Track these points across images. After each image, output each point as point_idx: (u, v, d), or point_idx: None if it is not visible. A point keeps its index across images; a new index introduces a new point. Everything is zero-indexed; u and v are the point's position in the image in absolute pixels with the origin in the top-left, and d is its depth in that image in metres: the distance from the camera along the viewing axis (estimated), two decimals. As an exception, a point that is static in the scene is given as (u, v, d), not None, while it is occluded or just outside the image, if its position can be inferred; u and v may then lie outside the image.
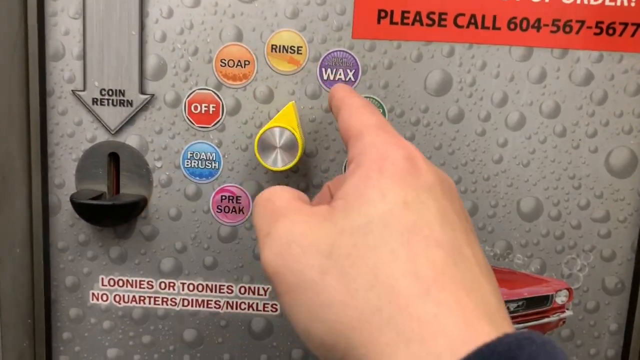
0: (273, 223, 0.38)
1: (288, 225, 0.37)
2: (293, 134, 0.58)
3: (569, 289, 0.67)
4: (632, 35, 0.62)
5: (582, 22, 0.62)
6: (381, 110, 0.64)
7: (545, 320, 0.68)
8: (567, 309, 0.68)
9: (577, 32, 0.63)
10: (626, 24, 0.62)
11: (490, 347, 0.29)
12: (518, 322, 0.67)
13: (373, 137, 0.40)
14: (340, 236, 0.35)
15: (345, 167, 0.65)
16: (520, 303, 0.67)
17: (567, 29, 0.62)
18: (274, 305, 0.69)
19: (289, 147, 0.59)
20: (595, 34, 0.63)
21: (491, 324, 0.31)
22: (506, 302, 0.66)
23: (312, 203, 0.43)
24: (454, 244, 0.35)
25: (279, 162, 0.59)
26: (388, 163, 0.38)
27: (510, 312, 0.67)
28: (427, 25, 0.63)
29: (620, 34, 0.62)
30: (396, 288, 0.32)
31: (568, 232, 0.66)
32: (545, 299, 0.67)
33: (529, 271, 0.68)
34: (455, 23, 0.63)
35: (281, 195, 0.41)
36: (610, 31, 0.62)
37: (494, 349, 0.28)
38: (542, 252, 0.67)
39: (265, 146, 0.59)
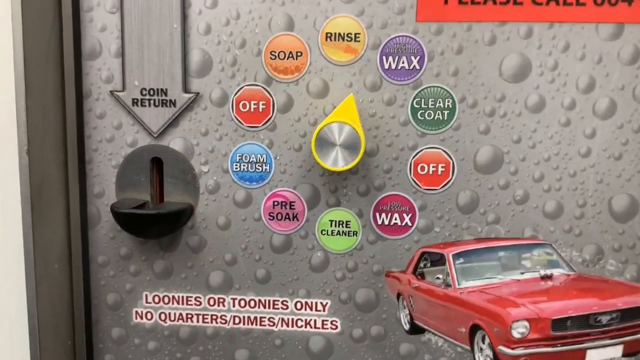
0: None
1: None
2: (354, 129, 0.52)
3: (671, 299, 0.60)
4: None
5: (681, -7, 0.55)
6: (450, 101, 0.58)
7: (644, 334, 0.60)
8: (670, 322, 0.60)
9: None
10: None
11: None
12: (611, 337, 0.60)
13: None
14: None
15: (410, 165, 0.59)
16: (614, 315, 0.59)
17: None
18: (334, 322, 0.63)
19: (351, 144, 0.53)
20: (696, 5, 0.55)
21: None
22: (597, 314, 0.59)
23: None
24: None
25: (339, 161, 0.53)
26: None
27: (603, 325, 0.59)
28: (501, 3, 0.56)
29: None
30: None
31: (669, 233, 0.59)
32: (643, 311, 0.60)
33: (624, 278, 0.60)
34: (533, 0, 0.56)
35: None
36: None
37: None
38: (638, 256, 0.59)
39: (324, 144, 0.53)
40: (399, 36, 0.57)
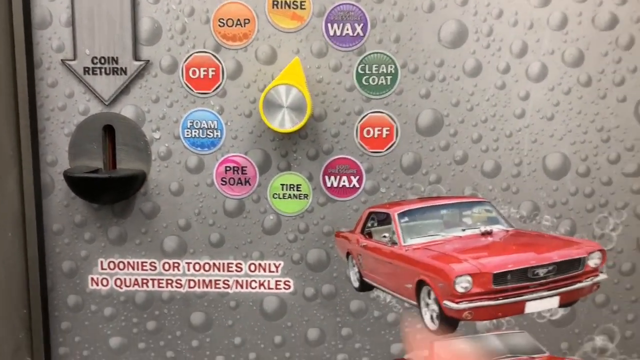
0: None
1: None
2: (300, 91, 0.55)
3: (601, 251, 0.64)
4: (658, -27, 0.60)
5: (604, -38, 0.59)
6: (392, 67, 0.61)
7: (578, 285, 0.65)
8: (601, 272, 0.65)
9: (599, -28, 0.60)
10: (651, -38, 0.59)
11: None
12: (549, 289, 0.64)
13: None
14: None
15: (356, 130, 0.62)
16: (550, 268, 0.64)
17: (588, -30, 0.60)
18: (287, 283, 0.66)
19: (297, 106, 0.56)
20: (619, -27, 0.60)
21: None
22: (535, 267, 0.63)
23: None
24: None
25: (286, 122, 0.56)
26: None
27: (540, 278, 0.63)
28: (438, -28, 0.60)
29: (645, -27, 0.60)
30: None
31: (598, 189, 0.63)
32: (577, 263, 0.64)
33: (559, 233, 0.64)
34: (468, -31, 0.60)
35: None
36: (635, -30, 0.60)
37: None
38: (571, 211, 0.64)
39: (271, 106, 0.56)
40: (343, 4, 0.61)
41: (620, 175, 0.63)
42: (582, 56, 0.61)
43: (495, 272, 0.63)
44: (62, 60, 0.62)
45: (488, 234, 0.65)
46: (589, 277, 0.65)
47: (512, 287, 0.64)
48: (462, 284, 0.63)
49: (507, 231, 0.65)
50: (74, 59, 0.62)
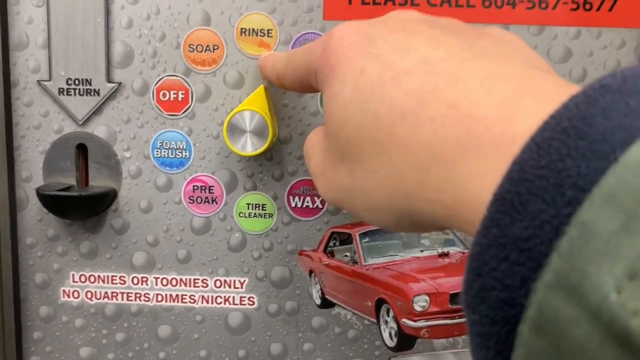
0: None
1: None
2: (263, 117, 0.59)
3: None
4: (610, 9, 0.63)
5: (559, -2, 0.63)
6: (355, 93, 0.65)
7: (531, 306, 0.68)
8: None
9: (554, 7, 0.63)
10: (603, -1, 0.63)
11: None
12: (503, 309, 0.67)
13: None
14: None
15: (320, 152, 0.66)
16: (505, 289, 0.67)
17: (543, 4, 0.63)
18: (251, 299, 0.69)
19: (260, 131, 0.59)
20: (572, 9, 0.63)
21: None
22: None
23: None
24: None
25: (248, 146, 0.59)
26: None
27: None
28: (400, 4, 0.64)
29: (598, 9, 0.63)
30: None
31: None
32: (530, 285, 0.68)
33: (513, 256, 0.68)
34: (428, 2, 0.64)
35: None
36: (587, 6, 0.63)
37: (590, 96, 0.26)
38: (525, 235, 0.67)
39: (235, 130, 0.60)
40: (308, 33, 0.64)
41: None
42: (537, 87, 0.65)
43: (452, 292, 0.67)
44: (37, 80, 0.66)
45: (445, 255, 0.68)
46: (541, 299, 0.68)
47: (468, 307, 0.67)
48: (420, 303, 0.66)
49: (464, 253, 0.68)
50: (49, 79, 0.66)
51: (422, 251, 0.68)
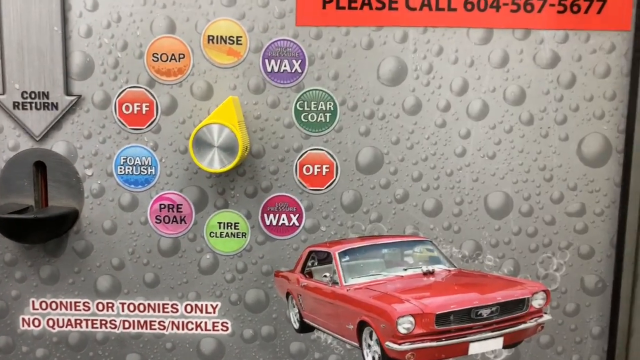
0: None
1: None
2: (232, 131, 0.55)
3: (546, 291, 0.65)
4: (599, 12, 0.60)
5: (544, 0, 0.60)
6: (332, 104, 0.61)
7: (522, 326, 0.65)
8: (545, 313, 0.65)
9: (540, 10, 0.60)
10: (591, 1, 0.60)
11: None
12: (492, 330, 0.64)
13: None
14: None
15: (296, 167, 0.62)
16: (494, 309, 0.64)
17: (529, 7, 0.60)
18: (225, 324, 0.65)
19: (229, 145, 0.56)
20: (559, 12, 0.60)
21: None
22: (478, 308, 0.63)
23: None
24: None
25: (215, 162, 0.56)
26: None
27: (484, 319, 0.63)
28: (377, 8, 0.60)
29: (586, 11, 0.60)
30: None
31: (541, 228, 0.63)
32: (520, 303, 0.64)
33: (502, 273, 0.65)
34: (407, 5, 0.60)
35: None
36: (575, 8, 0.60)
37: None
38: (514, 251, 0.64)
39: (202, 145, 0.56)
40: (280, 40, 0.60)
41: (564, 214, 0.63)
42: (523, 94, 0.62)
43: (438, 312, 0.63)
44: (-10, 94, 0.62)
45: (430, 273, 0.65)
46: (533, 318, 0.65)
47: (455, 328, 0.64)
48: (405, 325, 0.62)
49: (450, 271, 0.65)
50: (3, 93, 0.62)
51: (405, 270, 0.65)
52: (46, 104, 0.62)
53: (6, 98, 0.62)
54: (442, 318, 0.63)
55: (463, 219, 0.63)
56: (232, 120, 0.57)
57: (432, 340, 0.64)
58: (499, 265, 0.64)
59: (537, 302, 0.65)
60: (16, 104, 0.62)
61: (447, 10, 0.60)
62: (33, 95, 0.62)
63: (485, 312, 0.64)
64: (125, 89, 0.61)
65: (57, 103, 0.62)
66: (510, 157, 0.62)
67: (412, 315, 0.63)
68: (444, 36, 0.61)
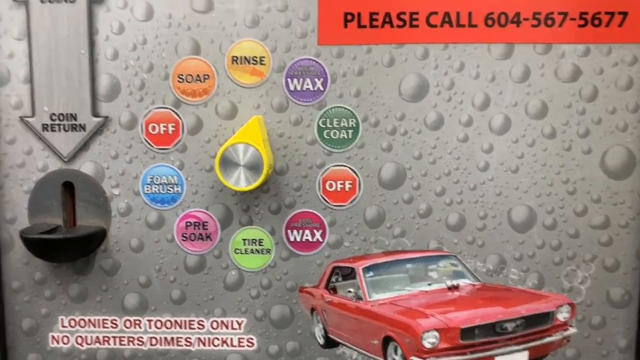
0: None
1: None
2: (257, 150, 0.56)
3: (571, 304, 0.65)
4: (620, 25, 0.61)
5: (565, 14, 0.60)
6: (354, 121, 0.62)
7: (548, 339, 0.65)
8: (571, 326, 0.65)
9: (560, 24, 0.61)
10: (612, 14, 0.60)
11: None
12: (518, 343, 0.64)
13: None
14: None
15: (319, 183, 0.63)
16: (518, 322, 0.64)
17: (550, 22, 0.61)
18: (250, 340, 0.66)
19: (254, 164, 0.56)
20: (580, 25, 0.61)
21: None
22: (503, 321, 0.63)
23: None
24: None
25: (242, 181, 0.56)
26: None
27: (509, 333, 0.63)
28: (398, 26, 0.61)
29: (607, 25, 0.61)
30: None
31: (565, 241, 0.63)
32: (545, 317, 0.64)
33: (526, 286, 0.65)
34: (428, 22, 0.61)
35: None
36: (596, 22, 0.60)
37: None
38: (538, 265, 0.64)
39: (228, 164, 0.57)
40: (302, 59, 0.61)
41: (588, 227, 0.63)
42: (545, 108, 0.62)
43: (462, 327, 0.63)
44: (20, 117, 0.63)
45: (454, 288, 0.65)
46: (558, 331, 0.65)
47: (480, 342, 0.64)
48: (429, 340, 0.63)
49: (474, 285, 0.65)
50: (33, 115, 0.63)
51: (430, 284, 0.65)
52: (74, 126, 0.63)
53: (35, 120, 0.63)
54: (467, 332, 0.63)
55: (487, 233, 0.64)
56: (257, 139, 0.58)
57: (457, 354, 0.64)
58: (524, 278, 0.64)
59: (562, 315, 0.65)
60: (45, 125, 0.63)
61: (468, 26, 0.61)
62: (61, 117, 0.63)
63: (510, 326, 0.64)
64: (152, 110, 0.63)
65: (84, 124, 0.63)
66: (533, 171, 0.63)
67: (436, 329, 0.63)
68: (465, 52, 0.61)
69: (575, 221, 0.63)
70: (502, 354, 0.64)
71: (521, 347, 0.65)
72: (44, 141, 0.63)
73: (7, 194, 0.65)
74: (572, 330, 0.65)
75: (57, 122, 0.63)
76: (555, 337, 0.65)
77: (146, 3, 0.61)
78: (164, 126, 0.63)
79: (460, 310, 0.64)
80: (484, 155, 0.63)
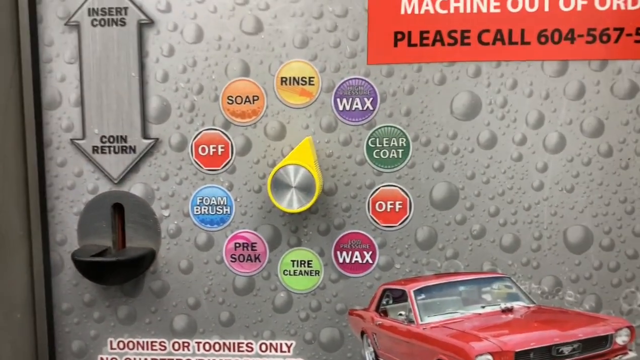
0: None
1: None
2: (309, 171, 0.55)
3: (630, 327, 0.63)
4: (678, 40, 0.59)
5: (621, 30, 0.59)
6: (404, 140, 0.61)
7: (607, 364, 0.63)
8: (630, 350, 0.63)
9: (616, 40, 0.59)
10: (670, 29, 0.59)
11: None
12: (575, 368, 0.62)
13: None
14: None
15: (368, 204, 0.62)
16: (575, 346, 0.62)
17: (605, 38, 0.59)
18: (300, 362, 0.65)
19: (306, 186, 0.56)
20: (637, 41, 0.59)
21: None
22: (559, 345, 0.61)
23: None
24: None
25: (294, 203, 0.56)
26: None
27: (565, 356, 0.62)
28: (449, 44, 0.60)
29: (665, 40, 0.59)
30: None
31: (624, 262, 0.62)
32: (604, 340, 0.62)
33: (583, 309, 0.63)
34: (479, 40, 0.60)
35: None
36: (653, 37, 0.59)
37: None
38: (596, 287, 0.62)
39: (280, 186, 0.56)
40: (351, 79, 0.61)
41: (647, 248, 0.62)
42: (601, 126, 0.60)
43: (517, 350, 0.61)
44: (71, 139, 0.64)
45: (509, 310, 0.63)
46: (617, 355, 0.63)
47: (536, 366, 0.62)
48: (483, 363, 0.61)
49: (529, 307, 0.63)
50: (83, 138, 0.64)
51: (483, 307, 0.64)
52: (124, 148, 0.63)
53: (86, 142, 0.64)
54: (521, 356, 0.61)
55: (542, 254, 0.62)
56: (309, 161, 0.57)
57: (512, 379, 0.62)
58: (580, 301, 0.63)
59: (621, 338, 0.63)
60: (95, 148, 0.64)
61: (521, 43, 0.60)
62: (112, 140, 0.63)
63: (566, 350, 0.62)
64: (201, 131, 0.63)
65: (135, 146, 0.63)
66: (589, 190, 0.61)
67: (490, 353, 0.61)
68: (518, 69, 0.60)
69: (633, 242, 0.62)
70: (559, 378, 0.63)
71: (579, 371, 0.63)
72: (94, 163, 0.64)
73: (58, 216, 0.65)
74: (632, 354, 0.63)
75: (107, 144, 0.63)
76: (614, 362, 0.63)
77: (196, 25, 0.61)
78: (213, 147, 0.63)
79: (515, 334, 0.62)
80: (539, 175, 0.61)
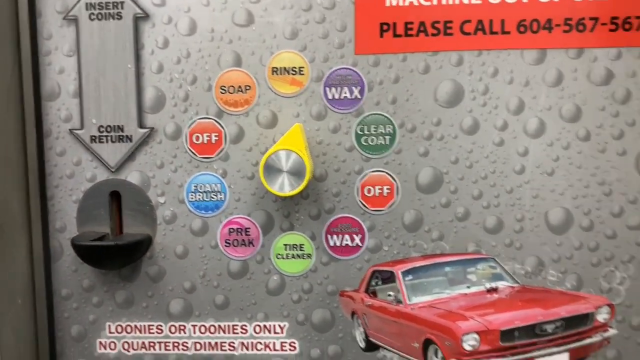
0: None
1: None
2: (300, 156, 0.58)
3: (610, 305, 0.65)
4: (651, 28, 0.62)
5: (596, 19, 0.62)
6: (391, 127, 0.64)
7: (588, 341, 0.65)
8: (611, 327, 0.65)
9: (592, 29, 0.62)
10: (643, 18, 0.62)
11: None
12: (558, 345, 0.65)
13: None
14: None
15: (357, 189, 0.65)
16: (558, 324, 0.64)
17: (581, 27, 0.62)
18: (292, 344, 0.67)
19: (297, 170, 0.58)
20: (611, 30, 0.62)
21: None
22: (543, 323, 0.64)
23: None
24: None
25: (286, 186, 0.58)
26: None
27: (549, 334, 0.64)
28: (433, 34, 0.63)
29: (638, 28, 0.62)
30: None
31: (603, 242, 0.64)
32: (585, 318, 0.65)
33: (565, 288, 0.65)
34: (461, 30, 0.63)
35: None
36: (627, 26, 0.62)
37: None
38: (576, 266, 0.65)
39: (271, 171, 0.59)
40: (340, 68, 0.64)
41: (625, 228, 0.64)
42: (579, 111, 0.63)
43: (502, 328, 0.64)
44: (70, 129, 0.66)
45: (493, 290, 0.66)
46: (598, 333, 0.65)
47: (520, 344, 0.64)
48: (470, 342, 0.63)
49: (513, 287, 0.66)
50: (81, 128, 0.66)
51: (469, 287, 0.66)
52: (121, 137, 0.66)
53: (84, 132, 0.66)
54: (506, 334, 0.64)
55: (524, 236, 0.65)
56: (300, 146, 0.60)
57: (497, 356, 0.65)
58: (562, 280, 0.65)
59: (601, 316, 0.65)
60: (93, 137, 0.66)
61: (501, 33, 0.63)
62: (109, 129, 0.66)
63: (549, 328, 0.65)
64: (195, 120, 0.65)
65: (131, 136, 0.66)
66: (569, 173, 0.64)
67: (476, 332, 0.64)
68: (499, 58, 0.63)
69: (612, 222, 0.64)
70: (542, 355, 0.65)
71: (561, 348, 0.65)
72: (92, 152, 0.66)
73: (57, 204, 0.67)
74: (612, 332, 0.66)
75: (104, 133, 0.66)
76: (595, 339, 0.66)
77: (189, 18, 0.64)
78: (207, 136, 0.65)
79: (500, 313, 0.65)
80: (520, 159, 0.64)
